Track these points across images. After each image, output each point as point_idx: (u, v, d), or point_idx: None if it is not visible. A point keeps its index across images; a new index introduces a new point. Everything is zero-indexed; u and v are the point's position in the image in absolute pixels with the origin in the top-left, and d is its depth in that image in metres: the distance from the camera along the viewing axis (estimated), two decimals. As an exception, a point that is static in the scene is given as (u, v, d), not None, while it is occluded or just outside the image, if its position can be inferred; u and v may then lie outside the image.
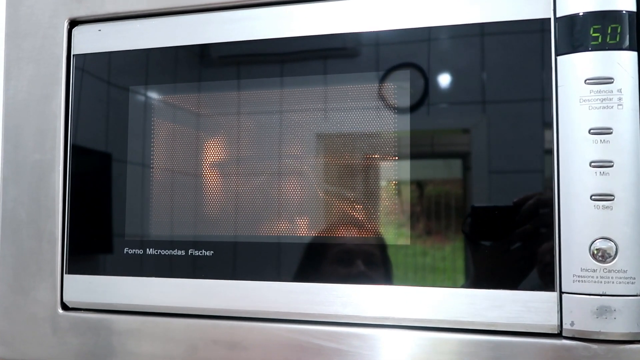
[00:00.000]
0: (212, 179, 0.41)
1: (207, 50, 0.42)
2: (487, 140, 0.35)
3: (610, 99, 0.33)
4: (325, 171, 0.39)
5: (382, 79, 0.38)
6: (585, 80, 0.33)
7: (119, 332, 0.41)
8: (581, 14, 0.34)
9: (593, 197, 0.32)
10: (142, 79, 0.43)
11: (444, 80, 0.37)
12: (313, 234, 0.39)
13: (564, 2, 0.34)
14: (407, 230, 0.37)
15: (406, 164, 0.37)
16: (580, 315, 0.32)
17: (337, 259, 0.38)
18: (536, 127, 0.35)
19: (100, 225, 0.43)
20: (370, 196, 0.38)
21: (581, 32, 0.33)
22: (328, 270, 0.38)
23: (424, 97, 0.37)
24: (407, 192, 0.37)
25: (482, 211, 0.35)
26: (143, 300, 0.41)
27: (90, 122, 0.43)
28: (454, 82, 0.36)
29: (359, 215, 0.38)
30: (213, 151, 0.42)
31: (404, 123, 0.37)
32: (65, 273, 0.43)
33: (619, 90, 0.33)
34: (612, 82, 0.33)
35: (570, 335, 0.33)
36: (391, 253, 0.37)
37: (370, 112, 0.38)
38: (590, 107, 0.33)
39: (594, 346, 0.32)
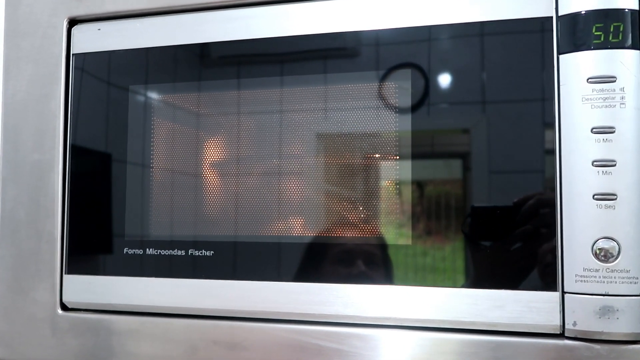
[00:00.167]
0: (212, 179, 0.41)
1: (206, 50, 0.41)
2: (488, 140, 0.35)
3: (613, 98, 0.32)
4: (325, 171, 0.39)
5: (383, 79, 0.38)
6: (588, 79, 0.33)
7: (119, 332, 0.41)
8: (583, 12, 0.33)
9: (595, 197, 0.32)
10: (141, 79, 0.42)
11: (445, 80, 0.37)
12: (313, 233, 0.39)
13: (567, 1, 0.34)
14: (407, 230, 0.36)
15: (407, 164, 0.37)
16: (583, 316, 0.32)
17: (338, 259, 0.38)
18: (537, 126, 0.34)
19: (99, 225, 0.43)
20: (371, 196, 0.38)
21: (583, 31, 0.33)
22: (329, 271, 0.38)
23: (425, 97, 0.37)
24: (407, 192, 0.37)
25: (482, 211, 0.35)
26: (143, 300, 0.41)
27: (90, 121, 0.43)
28: (455, 82, 0.36)
29: (359, 215, 0.38)
30: (213, 151, 0.41)
31: (405, 123, 0.37)
32: (65, 273, 0.43)
33: (622, 89, 0.32)
34: (614, 81, 0.32)
35: (572, 336, 0.33)
36: (392, 253, 0.37)
37: (370, 111, 0.38)
38: (593, 106, 0.33)
39: (597, 346, 0.32)
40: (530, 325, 0.34)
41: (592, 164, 0.32)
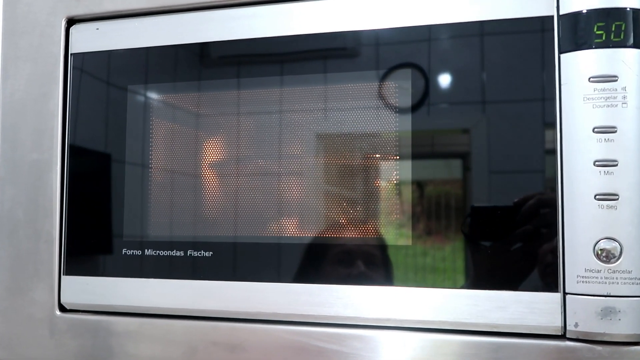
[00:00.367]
0: (211, 179, 0.41)
1: (206, 49, 0.41)
2: (488, 140, 0.35)
3: (615, 97, 0.32)
4: (325, 171, 0.39)
5: (383, 78, 0.38)
6: (589, 79, 0.33)
7: (118, 333, 0.41)
8: (585, 11, 0.33)
9: (597, 197, 0.32)
10: (140, 78, 0.42)
11: (445, 79, 0.36)
12: (313, 234, 0.38)
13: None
14: (407, 231, 0.36)
15: (407, 164, 0.37)
16: (585, 317, 0.32)
17: (338, 260, 0.38)
18: (538, 126, 0.34)
19: (98, 225, 0.42)
20: (371, 196, 0.38)
21: (585, 30, 0.33)
22: (328, 271, 0.38)
23: (425, 96, 0.37)
24: (407, 192, 0.36)
25: (482, 211, 0.35)
26: (142, 301, 0.41)
27: (88, 121, 0.43)
28: (455, 82, 0.36)
29: (359, 215, 0.38)
30: (212, 151, 0.41)
31: (405, 123, 0.37)
32: (63, 274, 0.43)
33: (624, 89, 0.32)
34: (616, 80, 0.32)
35: (574, 337, 0.33)
36: (392, 253, 0.37)
37: (370, 111, 0.38)
38: (594, 106, 0.32)
39: (599, 348, 0.32)
40: (531, 327, 0.33)
41: (594, 164, 0.32)
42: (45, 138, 0.43)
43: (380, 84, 0.38)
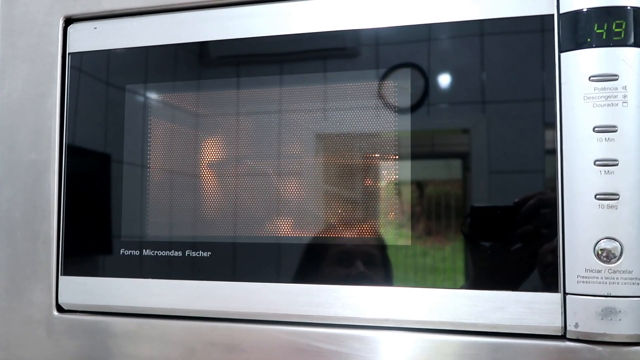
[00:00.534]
0: (209, 179, 0.41)
1: (204, 49, 0.41)
2: (488, 140, 0.35)
3: (615, 97, 0.32)
4: (324, 171, 0.39)
5: (382, 78, 0.37)
6: (590, 78, 0.32)
7: (116, 334, 0.41)
8: (585, 9, 0.33)
9: (597, 197, 0.32)
10: (138, 78, 0.42)
11: (445, 79, 0.36)
12: (312, 234, 0.38)
13: (568, -2, 0.34)
14: (407, 231, 0.36)
15: (407, 164, 0.36)
16: (585, 317, 0.32)
17: (337, 260, 0.38)
18: (538, 126, 0.34)
19: (96, 226, 0.42)
20: (370, 196, 0.38)
21: (585, 29, 0.33)
22: (328, 272, 0.37)
23: (424, 96, 0.36)
24: (407, 192, 0.36)
25: (482, 211, 0.35)
26: (140, 302, 0.41)
27: (86, 121, 0.43)
28: (455, 82, 0.36)
29: (358, 215, 0.38)
30: (211, 151, 0.41)
31: (405, 123, 0.37)
32: (61, 275, 0.42)
33: (624, 88, 0.32)
34: (616, 79, 0.32)
35: (574, 337, 0.32)
36: (391, 254, 0.37)
37: (370, 111, 0.37)
38: (595, 105, 0.32)
39: (599, 348, 0.32)
40: (531, 327, 0.33)
41: (594, 164, 0.32)
42: (43, 138, 0.43)
43: (380, 84, 0.38)
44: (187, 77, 0.41)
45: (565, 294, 0.33)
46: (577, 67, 0.33)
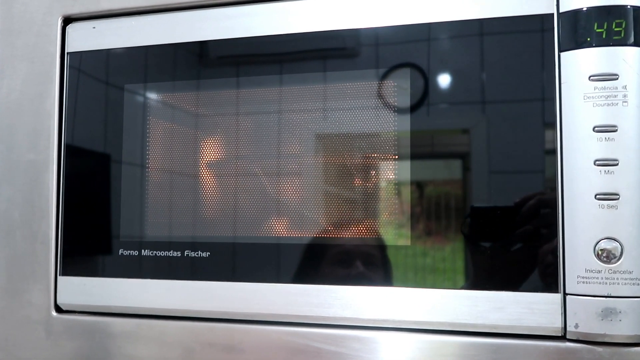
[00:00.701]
0: (209, 180, 0.41)
1: (204, 48, 0.41)
2: (488, 140, 0.35)
3: (615, 96, 0.32)
4: (324, 171, 0.39)
5: (382, 78, 0.37)
6: (590, 77, 0.32)
7: (114, 335, 0.41)
8: (585, 9, 0.33)
9: (597, 197, 0.32)
10: (137, 77, 0.42)
11: (444, 79, 0.36)
12: (312, 234, 0.38)
13: (568, -3, 0.34)
14: (407, 231, 0.36)
15: (406, 164, 0.36)
16: (585, 317, 0.32)
17: (337, 260, 0.38)
18: (538, 125, 0.34)
19: (95, 226, 0.42)
20: (370, 197, 0.38)
21: (585, 28, 0.33)
22: (327, 272, 0.37)
23: (424, 96, 0.36)
24: (407, 192, 0.36)
25: (482, 211, 0.35)
26: (138, 302, 0.40)
27: (85, 121, 0.43)
28: (454, 82, 0.36)
29: (358, 215, 0.38)
30: (210, 151, 0.41)
31: (404, 123, 0.36)
32: (59, 275, 0.42)
33: (624, 87, 0.32)
34: (616, 79, 0.32)
35: (574, 338, 0.32)
36: (391, 254, 0.37)
37: (369, 111, 0.37)
38: (595, 104, 0.32)
39: (599, 349, 0.32)
40: (531, 328, 0.33)
41: (594, 163, 0.32)
42: (42, 138, 0.43)
43: (379, 84, 0.37)
44: (186, 76, 0.41)
45: (565, 294, 0.33)
46: (577, 66, 0.33)
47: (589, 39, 0.32)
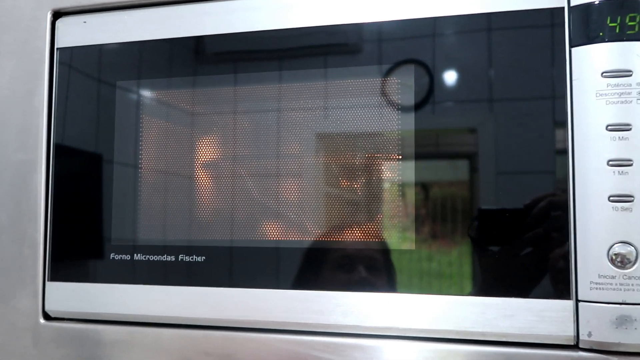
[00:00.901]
0: (205, 181, 0.40)
1: (200, 43, 0.41)
2: (496, 140, 0.34)
3: (629, 93, 0.31)
4: (325, 172, 0.38)
5: (385, 75, 0.37)
6: (602, 73, 0.32)
7: (105, 343, 0.40)
8: (597, 2, 0.33)
9: (611, 198, 0.31)
10: (129, 74, 0.42)
11: (450, 76, 0.36)
12: (312, 238, 0.38)
13: (579, -10, 0.33)
14: (411, 234, 0.35)
15: (410, 165, 0.36)
16: (598, 326, 0.31)
17: (338, 265, 0.37)
18: (548, 124, 0.34)
19: (85, 229, 0.41)
20: (373, 198, 0.37)
21: (597, 22, 0.32)
22: (328, 277, 0.37)
23: (429, 94, 0.36)
24: (411, 194, 0.36)
25: (490, 214, 0.34)
26: (131, 309, 0.40)
27: (75, 119, 0.42)
28: (461, 78, 0.36)
29: (360, 218, 0.37)
30: (206, 150, 0.41)
31: (408, 122, 0.36)
32: (48, 280, 0.42)
33: (638, 84, 0.31)
34: (630, 75, 0.32)
35: (587, 347, 0.32)
36: (395, 258, 0.36)
37: (372, 109, 0.37)
38: (608, 102, 0.32)
39: (613, 358, 0.31)
40: (542, 336, 0.33)
41: (608, 164, 0.31)
42: (30, 137, 0.42)
43: (383, 81, 0.37)
44: (182, 73, 0.41)
45: (577, 301, 0.32)
46: (589, 62, 0.32)
47: (601, 34, 0.32)
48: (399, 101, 0.36)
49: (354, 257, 0.36)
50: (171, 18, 0.41)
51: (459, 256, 0.34)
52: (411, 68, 0.36)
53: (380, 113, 0.36)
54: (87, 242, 0.41)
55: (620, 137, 0.31)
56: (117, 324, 0.40)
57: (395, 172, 0.36)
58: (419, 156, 0.36)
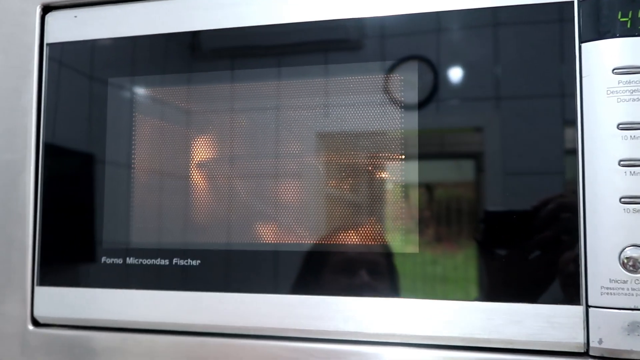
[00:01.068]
0: (200, 181, 0.40)
1: (196, 39, 0.40)
2: (502, 139, 0.34)
3: (642, 91, 0.30)
4: (325, 172, 0.37)
5: (388, 71, 0.37)
6: (613, 70, 0.31)
7: (97, 350, 0.39)
8: (608, -4, 0.32)
9: (623, 200, 0.30)
10: (122, 71, 0.41)
11: (455, 73, 0.36)
12: (312, 241, 0.37)
13: (590, -16, 0.33)
14: (415, 237, 0.35)
15: (414, 165, 0.35)
16: (610, 332, 0.31)
17: (339, 269, 0.36)
18: (557, 123, 0.33)
19: (75, 232, 0.41)
20: (375, 200, 0.36)
21: (608, 17, 0.32)
22: (328, 282, 0.36)
23: (433, 92, 0.36)
24: (415, 195, 0.35)
25: (497, 216, 0.34)
26: (124, 315, 0.39)
27: (66, 118, 0.42)
28: (466, 75, 0.35)
29: (362, 220, 0.36)
30: (202, 150, 0.40)
31: (412, 120, 0.36)
32: (36, 285, 0.41)
33: (651, 81, 0.30)
34: (643, 72, 0.31)
35: (598, 355, 0.31)
36: (398, 262, 0.35)
37: (374, 108, 0.37)
38: (619, 100, 0.31)
39: (625, 366, 0.31)
40: (551, 343, 0.32)
41: (619, 164, 0.31)
42: (18, 136, 0.42)
43: (385, 78, 0.37)
44: (177, 69, 0.40)
45: (587, 306, 0.31)
46: (599, 58, 0.32)
47: (612, 29, 0.31)
48: (402, 99, 0.36)
49: (356, 260, 0.36)
50: (166, 12, 0.40)
51: (464, 260, 0.34)
52: (415, 64, 0.35)
53: (383, 111, 0.36)
54: (78, 245, 0.40)
55: (632, 137, 0.30)
56: (109, 330, 0.39)
57: (398, 173, 0.35)
58: (423, 156, 0.35)
